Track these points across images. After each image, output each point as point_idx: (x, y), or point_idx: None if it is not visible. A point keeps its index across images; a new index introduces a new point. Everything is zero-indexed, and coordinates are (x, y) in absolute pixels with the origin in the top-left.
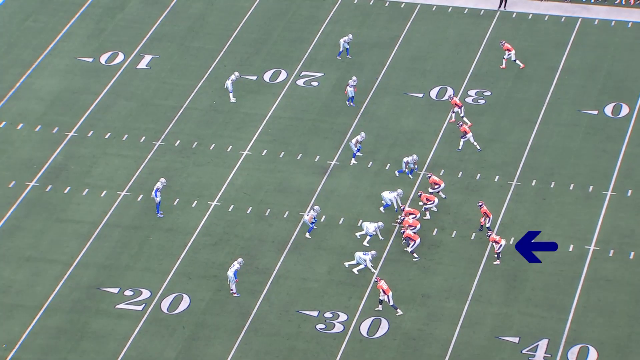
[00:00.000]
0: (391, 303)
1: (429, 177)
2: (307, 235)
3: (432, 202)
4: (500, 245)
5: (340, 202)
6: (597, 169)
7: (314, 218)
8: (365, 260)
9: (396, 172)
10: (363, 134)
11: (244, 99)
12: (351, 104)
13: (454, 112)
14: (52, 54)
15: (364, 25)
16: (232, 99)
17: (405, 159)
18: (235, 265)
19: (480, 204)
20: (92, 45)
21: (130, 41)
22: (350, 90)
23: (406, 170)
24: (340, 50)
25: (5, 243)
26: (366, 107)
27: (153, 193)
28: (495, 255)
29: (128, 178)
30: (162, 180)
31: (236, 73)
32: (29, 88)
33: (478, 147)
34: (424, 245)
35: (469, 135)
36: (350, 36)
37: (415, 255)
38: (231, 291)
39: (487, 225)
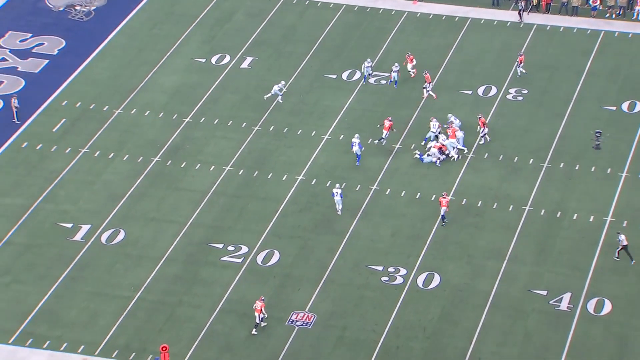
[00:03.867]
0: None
1: (480, 117)
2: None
3: (483, 129)
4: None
5: (402, 178)
6: (615, 155)
7: None
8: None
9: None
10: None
11: (325, 93)
12: (395, 86)
13: (424, 87)
14: (173, 56)
15: (425, 34)
16: (280, 99)
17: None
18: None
19: (479, 115)
20: (205, 49)
21: (236, 46)
22: (394, 75)
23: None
24: (365, 75)
25: (134, 206)
26: (425, 101)
27: (273, 91)
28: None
29: (232, 156)
30: (282, 82)
31: (282, 82)
32: (155, 83)
33: (434, 96)
34: (471, 214)
35: (428, 85)
36: (369, 60)
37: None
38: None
39: (483, 134)
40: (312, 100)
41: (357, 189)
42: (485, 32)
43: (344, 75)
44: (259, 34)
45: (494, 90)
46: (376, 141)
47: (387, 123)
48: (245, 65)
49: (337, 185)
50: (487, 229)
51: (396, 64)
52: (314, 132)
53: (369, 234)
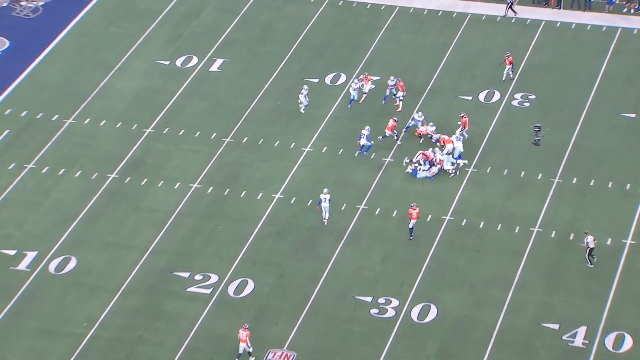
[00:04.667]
0: None
1: (462, 116)
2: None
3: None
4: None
5: (393, 196)
6: (635, 169)
7: None
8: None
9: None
10: (368, 127)
11: (308, 99)
12: (383, 102)
13: (396, 96)
14: (133, 57)
15: (419, 32)
16: (302, 109)
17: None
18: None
19: (462, 114)
20: (169, 49)
21: (204, 46)
22: (388, 89)
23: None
24: (352, 97)
25: (89, 230)
26: (419, 108)
27: (304, 101)
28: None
29: (200, 171)
30: (305, 86)
31: (305, 87)
32: (112, 88)
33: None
34: (472, 237)
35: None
36: (357, 81)
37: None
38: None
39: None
40: (291, 108)
41: (343, 208)
42: (487, 29)
43: (327, 79)
44: (231, 33)
45: (497, 96)
46: (380, 137)
47: (391, 122)
48: (215, 68)
49: (325, 190)
50: (490, 253)
51: (392, 77)
52: (293, 143)
53: (356, 260)
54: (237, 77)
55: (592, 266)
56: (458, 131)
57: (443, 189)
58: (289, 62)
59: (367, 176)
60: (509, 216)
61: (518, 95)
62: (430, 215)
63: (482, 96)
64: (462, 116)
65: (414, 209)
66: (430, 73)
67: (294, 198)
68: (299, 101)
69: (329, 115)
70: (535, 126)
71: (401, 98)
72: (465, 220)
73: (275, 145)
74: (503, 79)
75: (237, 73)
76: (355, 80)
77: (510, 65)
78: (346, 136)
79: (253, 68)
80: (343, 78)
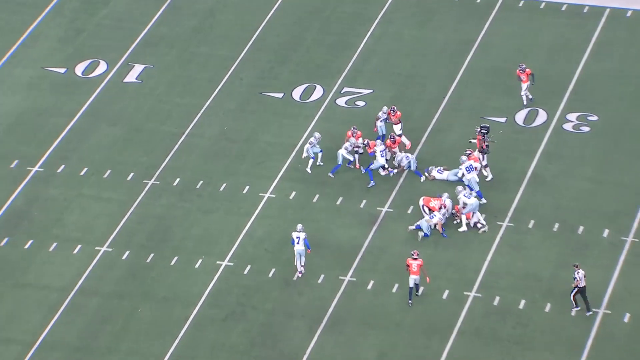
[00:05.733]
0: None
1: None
2: (330, 174)
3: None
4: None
5: (393, 263)
6: None
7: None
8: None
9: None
10: (317, 134)
11: (265, 123)
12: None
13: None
14: (12, 63)
15: (426, 26)
16: (309, 170)
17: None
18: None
19: (478, 128)
20: (64, 51)
21: (116, 46)
22: (380, 126)
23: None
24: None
25: None
26: (429, 136)
27: (306, 152)
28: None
29: (110, 229)
30: (316, 134)
31: (316, 134)
32: None
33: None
34: (508, 323)
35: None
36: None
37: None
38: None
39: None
40: (242, 135)
41: (320, 280)
42: (525, 20)
43: (296, 94)
44: (155, 27)
45: (542, 116)
46: (385, 171)
47: (387, 141)
48: (132, 77)
49: (300, 227)
50: (536, 346)
51: (384, 109)
52: (248, 186)
53: (340, 358)
54: (164, 91)
55: (590, 313)
56: (464, 161)
57: (465, 252)
58: (239, 69)
59: (355, 233)
60: (563, 293)
61: (572, 116)
62: (447, 291)
63: (520, 117)
64: (479, 130)
65: (415, 259)
66: (444, 84)
67: (249, 267)
68: (304, 154)
69: (299, 145)
70: (482, 127)
71: (400, 132)
72: (498, 299)
73: (222, 189)
74: (525, 103)
75: (164, 85)
76: (384, 108)
77: (528, 82)
78: (325, 176)
79: (188, 78)
80: (319, 92)
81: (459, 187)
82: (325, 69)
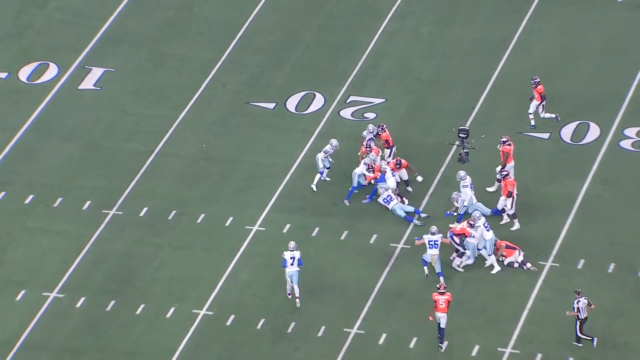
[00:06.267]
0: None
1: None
2: (346, 202)
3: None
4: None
5: (411, 311)
6: None
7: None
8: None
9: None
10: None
11: (254, 139)
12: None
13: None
14: None
15: (451, 22)
16: (314, 187)
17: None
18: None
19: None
20: (7, 52)
21: (70, 45)
22: (369, 144)
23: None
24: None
25: None
26: (454, 157)
27: (321, 162)
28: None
29: (62, 269)
30: (333, 142)
31: (333, 141)
32: None
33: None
34: None
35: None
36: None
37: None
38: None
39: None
40: (225, 154)
41: (321, 333)
42: (571, 14)
43: (291, 104)
44: (118, 21)
45: (594, 131)
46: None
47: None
48: (89, 84)
49: (292, 244)
50: None
51: (370, 127)
52: (231, 217)
53: None
54: (129, 101)
55: (581, 345)
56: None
57: (500, 297)
58: (222, 74)
59: (363, 275)
60: (620, 347)
61: (631, 131)
62: (477, 346)
63: (567, 132)
64: (506, 142)
65: (442, 293)
66: (473, 93)
67: (232, 317)
68: (319, 165)
69: (294, 167)
70: (460, 130)
71: (392, 154)
72: (539, 357)
73: (199, 220)
74: (532, 123)
75: (129, 93)
76: (370, 126)
77: (541, 101)
78: (325, 204)
79: (158, 84)
80: (319, 101)
81: (476, 213)
82: (327, 74)
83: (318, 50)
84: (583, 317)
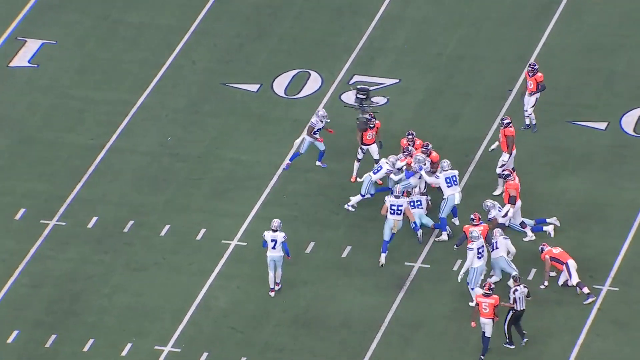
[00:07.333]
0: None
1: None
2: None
3: None
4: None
5: (432, 347)
6: None
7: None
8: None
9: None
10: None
11: (233, 130)
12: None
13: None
14: None
15: (468, 16)
16: (350, 207)
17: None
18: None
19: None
20: None
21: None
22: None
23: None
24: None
25: None
26: (485, 151)
27: (302, 147)
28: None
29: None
30: (320, 112)
31: (320, 111)
32: None
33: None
34: None
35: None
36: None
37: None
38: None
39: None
40: (196, 150)
41: None
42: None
43: (278, 86)
44: None
45: None
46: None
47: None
48: (23, 60)
49: (276, 222)
50: None
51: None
52: (204, 229)
53: None
54: (74, 82)
55: (512, 346)
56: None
57: (547, 329)
58: (191, 48)
59: (371, 302)
60: None
61: None
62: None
63: (629, 122)
64: (508, 124)
65: (488, 295)
66: (510, 71)
67: (205, 355)
68: (298, 144)
69: (282, 167)
70: (359, 90)
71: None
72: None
73: (163, 233)
74: (527, 122)
75: (73, 72)
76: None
77: (537, 91)
78: (323, 212)
79: (110, 61)
80: (315, 82)
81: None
82: (326, 48)
83: (313, 17)
84: (519, 310)
